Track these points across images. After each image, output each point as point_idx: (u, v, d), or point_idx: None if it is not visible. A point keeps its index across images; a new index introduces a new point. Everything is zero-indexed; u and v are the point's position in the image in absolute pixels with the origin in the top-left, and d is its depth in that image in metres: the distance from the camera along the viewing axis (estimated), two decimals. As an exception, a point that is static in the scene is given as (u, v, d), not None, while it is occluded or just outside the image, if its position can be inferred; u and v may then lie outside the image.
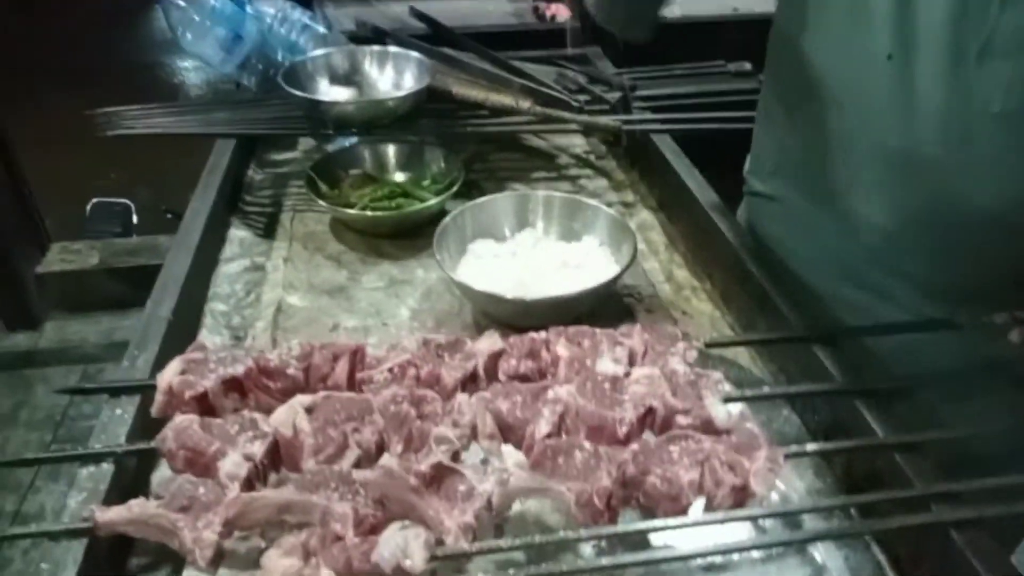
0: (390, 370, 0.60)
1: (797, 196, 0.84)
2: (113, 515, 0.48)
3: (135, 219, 3.14)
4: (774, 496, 0.54)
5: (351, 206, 1.00)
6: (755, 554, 0.56)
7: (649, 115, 1.08)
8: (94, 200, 2.87)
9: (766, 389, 0.63)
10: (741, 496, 0.51)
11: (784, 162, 0.86)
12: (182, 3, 1.07)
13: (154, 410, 0.57)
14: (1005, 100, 0.60)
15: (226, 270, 0.94)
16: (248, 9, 1.16)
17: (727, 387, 0.60)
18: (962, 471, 0.54)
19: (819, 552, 0.57)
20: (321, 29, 1.20)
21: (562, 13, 1.80)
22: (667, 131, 1.05)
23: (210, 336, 0.82)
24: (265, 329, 0.84)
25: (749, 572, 0.55)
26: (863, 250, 0.75)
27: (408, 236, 1.00)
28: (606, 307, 0.86)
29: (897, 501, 0.52)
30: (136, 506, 0.49)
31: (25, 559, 1.38)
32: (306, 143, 1.25)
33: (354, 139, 1.10)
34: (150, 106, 1.06)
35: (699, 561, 0.53)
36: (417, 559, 0.45)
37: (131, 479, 0.56)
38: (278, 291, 0.91)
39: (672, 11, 1.92)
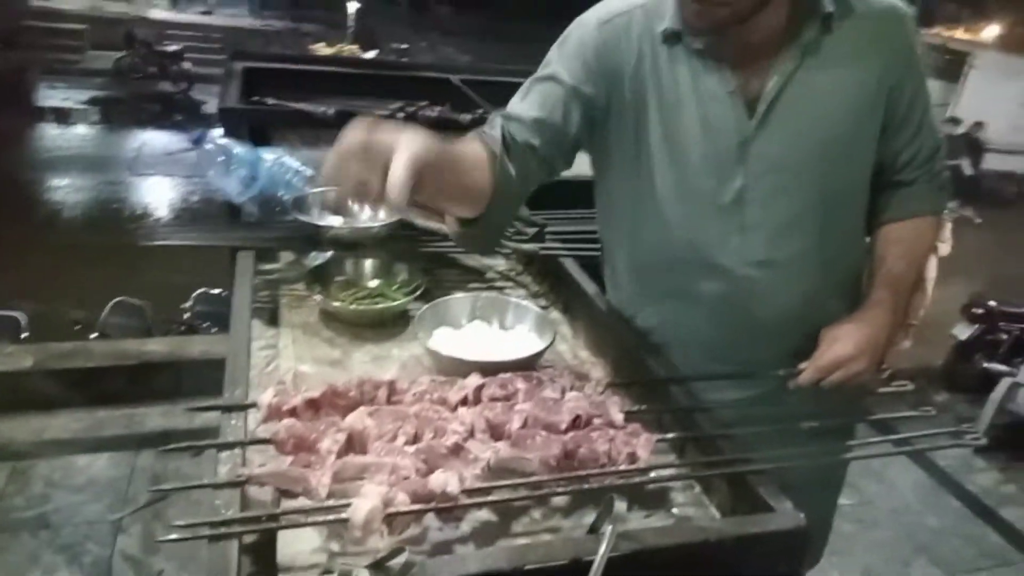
0: (414, 395, 0.93)
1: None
2: (260, 471, 0.78)
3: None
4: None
5: (341, 302, 1.34)
6: (642, 513, 0.92)
7: (559, 244, 1.51)
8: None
9: (644, 407, 1.02)
10: (633, 459, 0.87)
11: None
12: (211, 146, 1.42)
13: (260, 417, 0.87)
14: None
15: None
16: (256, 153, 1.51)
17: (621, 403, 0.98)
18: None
19: (677, 510, 0.94)
20: (308, 171, 1.57)
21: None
22: (572, 256, 1.48)
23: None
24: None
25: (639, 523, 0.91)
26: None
27: (383, 327, 1.34)
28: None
29: (722, 462, 0.91)
30: (274, 466, 0.78)
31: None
32: (287, 257, 1.57)
33: (329, 254, 1.44)
34: (179, 223, 1.37)
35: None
36: (454, 486, 0.77)
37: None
38: (292, 362, 1.21)
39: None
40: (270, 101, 1.91)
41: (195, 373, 2.23)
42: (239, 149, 1.41)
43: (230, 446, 0.83)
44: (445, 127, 1.88)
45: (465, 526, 0.85)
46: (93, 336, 3.12)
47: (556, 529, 0.87)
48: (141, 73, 11.72)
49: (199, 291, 2.92)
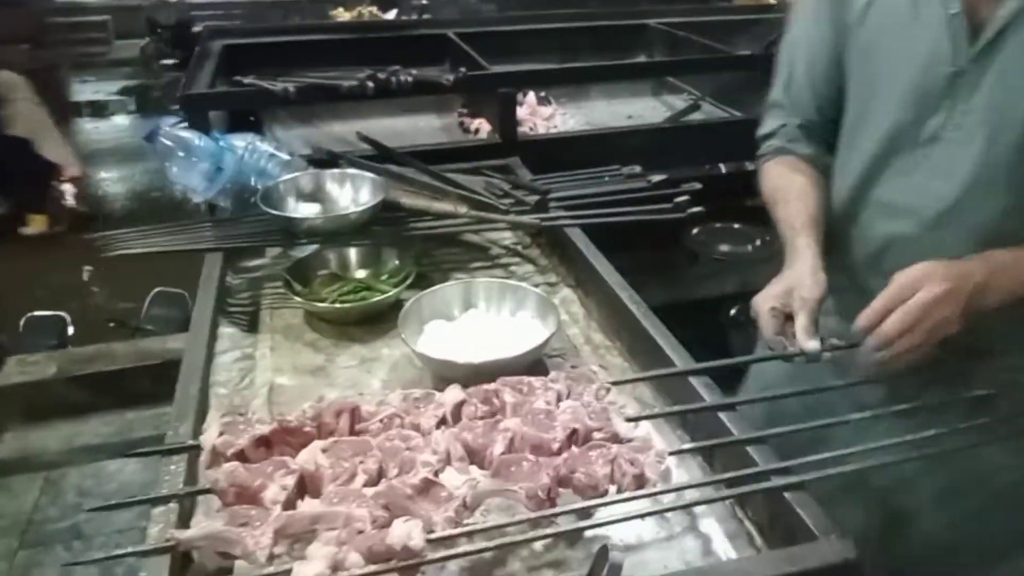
0: (381, 420, 0.80)
1: None
2: (191, 533, 0.66)
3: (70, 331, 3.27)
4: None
5: (322, 301, 1.21)
6: (660, 534, 0.78)
7: (562, 213, 1.34)
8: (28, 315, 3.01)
9: (656, 410, 0.86)
10: (640, 481, 0.73)
11: None
12: (169, 142, 1.29)
13: (202, 463, 0.75)
14: None
15: (222, 361, 1.12)
16: (222, 143, 1.38)
17: (631, 411, 0.83)
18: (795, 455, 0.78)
19: (705, 526, 0.79)
20: (285, 156, 1.43)
21: (484, 127, 2.10)
22: (576, 225, 1.31)
23: (216, 415, 0.99)
24: (262, 406, 1.02)
25: (658, 550, 0.76)
26: None
27: (372, 322, 1.20)
28: (540, 366, 1.08)
29: (749, 477, 0.75)
30: (207, 526, 0.66)
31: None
32: (273, 250, 1.45)
33: (317, 246, 1.31)
34: (144, 228, 1.26)
35: (618, 542, 0.74)
36: (417, 540, 0.64)
37: (188, 516, 0.73)
38: (268, 374, 1.09)
39: (577, 121, 2.27)
40: (246, 81, 1.76)
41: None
42: (199, 140, 1.28)
43: (163, 500, 0.72)
44: (425, 91, 1.71)
45: (453, 565, 0.72)
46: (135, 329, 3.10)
47: (559, 563, 0.74)
48: (168, 57, 11.73)
49: (156, 291, 2.77)
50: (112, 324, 3.35)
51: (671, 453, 0.76)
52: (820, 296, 0.90)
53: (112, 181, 7.40)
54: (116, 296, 3.72)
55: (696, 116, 2.24)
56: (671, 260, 2.20)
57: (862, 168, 1.03)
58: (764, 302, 0.91)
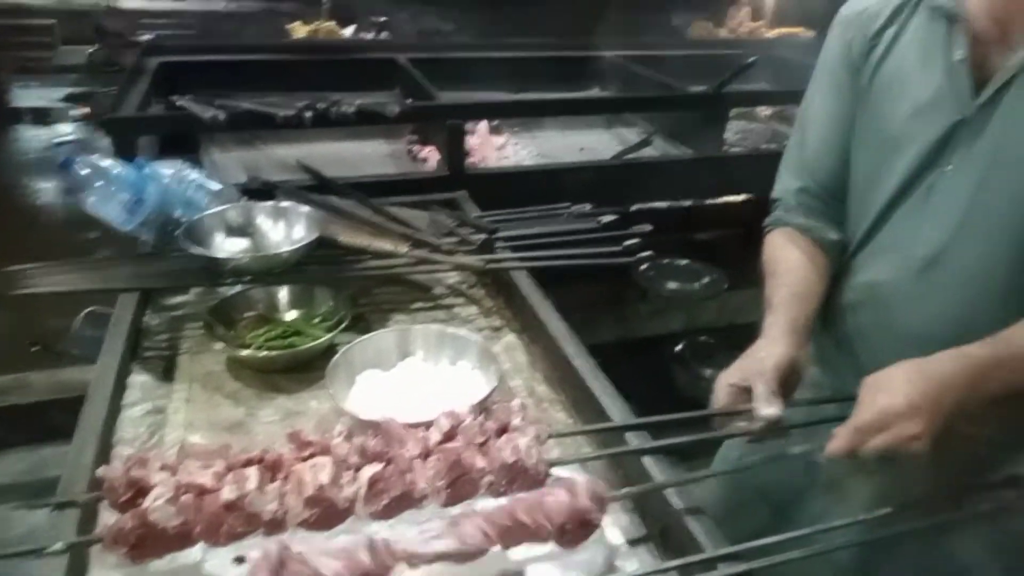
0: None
1: None
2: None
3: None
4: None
5: (247, 346, 1.12)
6: None
7: (509, 254, 1.29)
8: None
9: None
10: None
11: None
12: (86, 170, 1.19)
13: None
14: None
15: (129, 415, 1.01)
16: (146, 170, 1.29)
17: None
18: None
19: None
20: (215, 186, 1.34)
21: (434, 155, 2.04)
22: (523, 268, 1.25)
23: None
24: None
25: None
26: None
27: (301, 370, 1.12)
28: (478, 423, 1.01)
29: (696, 565, 0.70)
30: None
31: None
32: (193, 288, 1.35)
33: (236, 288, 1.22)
34: (51, 263, 1.15)
35: None
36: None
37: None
38: (180, 431, 1.00)
39: (529, 152, 2.23)
40: (180, 103, 1.66)
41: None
42: (119, 169, 1.19)
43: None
44: (368, 121, 1.64)
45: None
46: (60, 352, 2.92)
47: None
48: (116, 65, 11.42)
49: (87, 310, 2.59)
50: (35, 347, 3.15)
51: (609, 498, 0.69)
52: (774, 365, 0.87)
53: (50, 191, 7.11)
54: (42, 313, 3.50)
55: (648, 152, 2.22)
56: (621, 295, 2.17)
57: (870, 220, 1.01)
58: (722, 378, 0.89)
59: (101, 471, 0.69)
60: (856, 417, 0.81)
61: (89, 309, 3.20)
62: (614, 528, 0.83)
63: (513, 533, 0.69)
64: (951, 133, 0.91)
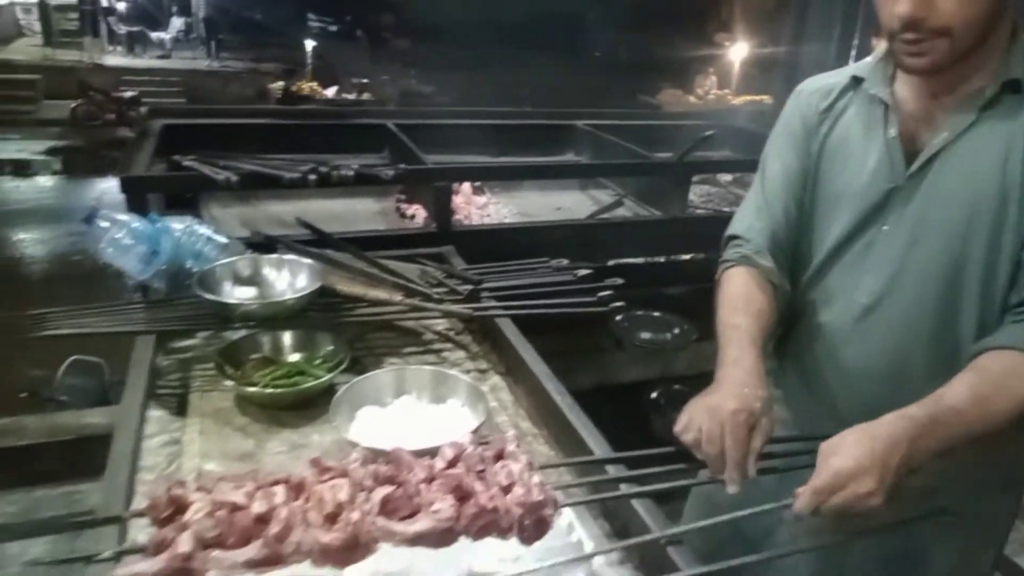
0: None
1: None
2: None
3: (-25, 406, 3.05)
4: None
5: (254, 385, 1.22)
6: None
7: (494, 303, 1.41)
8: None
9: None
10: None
11: None
12: (106, 224, 1.30)
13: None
14: None
15: (148, 445, 1.10)
16: (159, 224, 1.40)
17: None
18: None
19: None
20: (223, 239, 1.46)
21: (421, 212, 2.18)
22: (507, 316, 1.38)
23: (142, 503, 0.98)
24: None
25: None
26: None
27: (304, 407, 1.22)
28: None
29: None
30: None
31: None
32: (204, 332, 1.45)
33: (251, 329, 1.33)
34: (73, 308, 1.25)
35: None
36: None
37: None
38: (196, 460, 1.09)
39: (510, 210, 2.39)
40: (185, 163, 1.79)
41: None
42: (137, 223, 1.30)
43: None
44: (366, 182, 1.78)
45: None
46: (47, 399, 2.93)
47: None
48: (98, 120, 11.56)
49: (71, 359, 2.59)
50: (23, 395, 3.17)
51: (563, 504, 0.80)
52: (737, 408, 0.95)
53: (31, 243, 7.09)
54: (28, 363, 3.52)
55: (620, 212, 2.40)
56: (598, 344, 2.30)
57: (815, 263, 1.16)
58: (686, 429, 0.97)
59: (145, 491, 0.78)
60: (814, 480, 0.88)
61: (73, 358, 3.24)
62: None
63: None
64: (887, 198, 1.07)
